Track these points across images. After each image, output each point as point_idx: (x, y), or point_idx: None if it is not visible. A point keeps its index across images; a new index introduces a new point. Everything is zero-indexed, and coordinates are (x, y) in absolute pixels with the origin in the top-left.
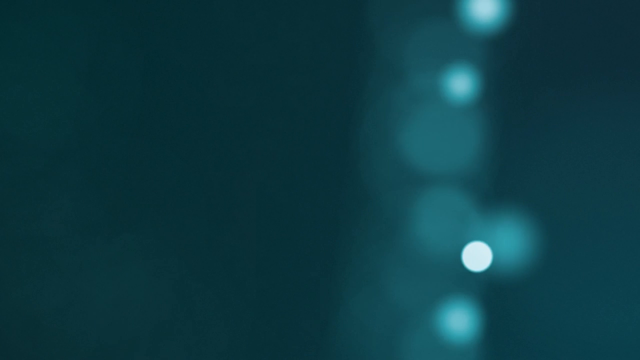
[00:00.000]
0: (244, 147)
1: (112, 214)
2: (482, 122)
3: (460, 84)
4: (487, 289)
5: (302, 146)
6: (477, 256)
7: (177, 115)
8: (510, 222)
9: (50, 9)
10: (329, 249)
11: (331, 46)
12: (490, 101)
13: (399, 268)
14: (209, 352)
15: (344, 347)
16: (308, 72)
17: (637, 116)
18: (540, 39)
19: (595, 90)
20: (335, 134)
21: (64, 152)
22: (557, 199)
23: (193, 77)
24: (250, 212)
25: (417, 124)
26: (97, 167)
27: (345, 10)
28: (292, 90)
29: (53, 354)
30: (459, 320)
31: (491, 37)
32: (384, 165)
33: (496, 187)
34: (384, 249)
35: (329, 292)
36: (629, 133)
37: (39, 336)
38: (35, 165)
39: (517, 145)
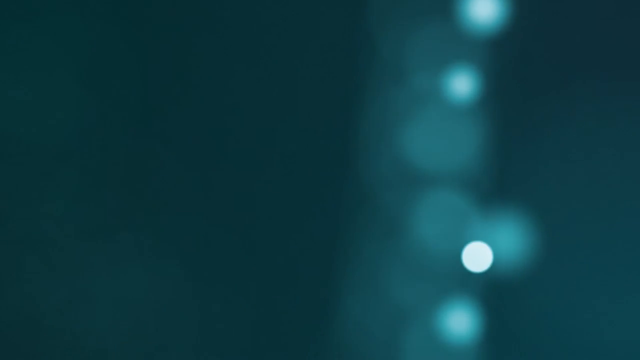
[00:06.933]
0: (244, 147)
1: (112, 214)
2: (481, 122)
3: (460, 84)
4: (487, 289)
5: (302, 146)
6: (477, 256)
7: (177, 116)
8: (510, 222)
9: (50, 9)
10: (329, 249)
11: (331, 46)
12: (490, 101)
13: (399, 268)
14: (208, 351)
15: (344, 347)
16: (308, 72)
17: (637, 116)
18: (539, 40)
19: (595, 90)
20: (335, 134)
21: (64, 152)
22: (557, 199)
23: (193, 77)
24: (250, 212)
25: (417, 124)
26: (96, 167)
27: (345, 10)
28: (292, 90)
29: (53, 354)
30: (458, 320)
31: (491, 37)
32: (384, 165)
33: (496, 187)
34: (384, 249)
35: (329, 292)
36: (629, 133)
37: (39, 336)
38: (35, 165)
39: (516, 145)
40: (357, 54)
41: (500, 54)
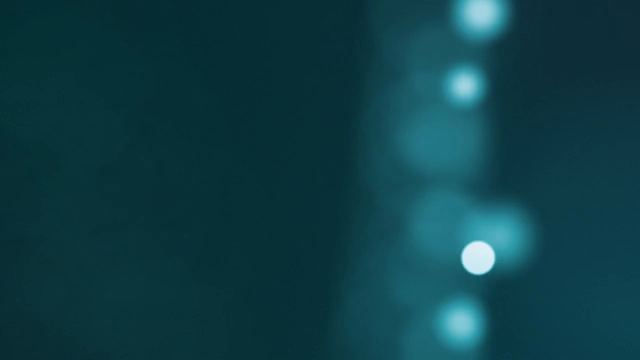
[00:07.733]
0: (244, 147)
1: (113, 214)
2: (481, 122)
3: (460, 84)
4: (487, 289)
5: (302, 146)
6: (477, 257)
7: (178, 116)
8: (510, 221)
9: (50, 8)
10: (329, 249)
11: (331, 46)
12: (489, 101)
13: (399, 268)
14: (209, 351)
15: (344, 347)
16: (308, 72)
17: (637, 116)
18: (539, 40)
19: (594, 90)
20: (335, 134)
21: (65, 152)
22: (556, 199)
23: (193, 77)
24: (250, 212)
25: (417, 124)
26: (97, 167)
27: (345, 10)
28: (292, 90)
29: (53, 354)
30: (459, 320)
31: (491, 37)
32: (383, 165)
33: (496, 187)
34: (384, 249)
35: (329, 292)
36: (628, 133)
37: (39, 336)
38: (35, 165)
39: (516, 145)
40: (357, 54)
41: (500, 54)
